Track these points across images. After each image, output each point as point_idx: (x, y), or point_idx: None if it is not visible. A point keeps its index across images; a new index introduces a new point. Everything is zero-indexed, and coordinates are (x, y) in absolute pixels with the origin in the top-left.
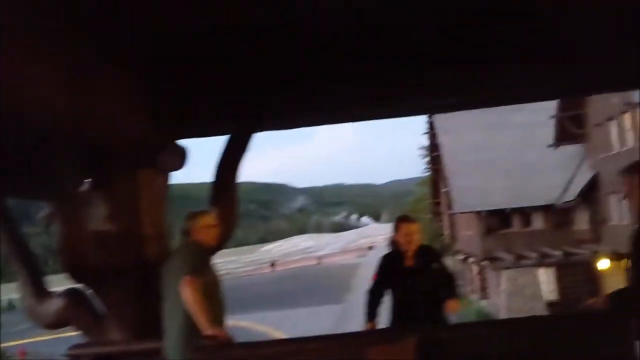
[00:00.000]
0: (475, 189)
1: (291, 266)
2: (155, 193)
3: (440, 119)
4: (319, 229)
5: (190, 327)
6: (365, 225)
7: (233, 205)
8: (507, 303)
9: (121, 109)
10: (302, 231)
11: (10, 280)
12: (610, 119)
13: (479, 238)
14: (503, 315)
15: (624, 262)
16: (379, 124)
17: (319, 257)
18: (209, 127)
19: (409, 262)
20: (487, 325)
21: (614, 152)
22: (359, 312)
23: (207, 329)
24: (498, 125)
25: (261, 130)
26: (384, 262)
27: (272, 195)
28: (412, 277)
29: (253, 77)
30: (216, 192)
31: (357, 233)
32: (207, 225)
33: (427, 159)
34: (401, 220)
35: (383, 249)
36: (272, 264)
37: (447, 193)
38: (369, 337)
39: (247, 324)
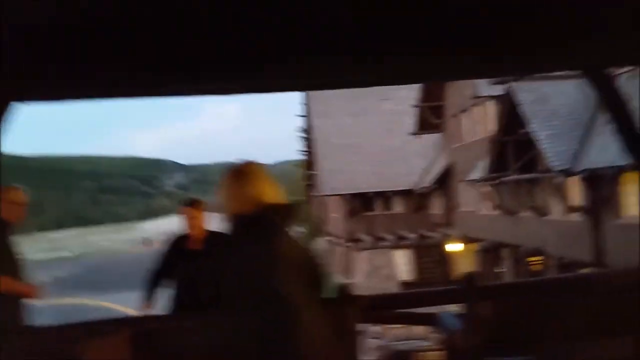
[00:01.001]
0: (341, 172)
1: None
2: None
3: (315, 102)
4: None
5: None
6: None
7: None
8: (364, 283)
9: None
10: None
11: None
12: (463, 110)
13: (343, 220)
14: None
15: (472, 246)
16: (269, 103)
17: None
18: None
19: (195, 246)
20: (201, 315)
21: (465, 143)
22: None
23: None
24: (367, 112)
25: (25, 101)
26: (170, 244)
27: (155, 171)
28: (194, 262)
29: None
30: None
31: None
32: (11, 202)
33: (303, 141)
34: (184, 204)
35: None
36: (146, 243)
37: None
38: (87, 328)
39: (109, 305)
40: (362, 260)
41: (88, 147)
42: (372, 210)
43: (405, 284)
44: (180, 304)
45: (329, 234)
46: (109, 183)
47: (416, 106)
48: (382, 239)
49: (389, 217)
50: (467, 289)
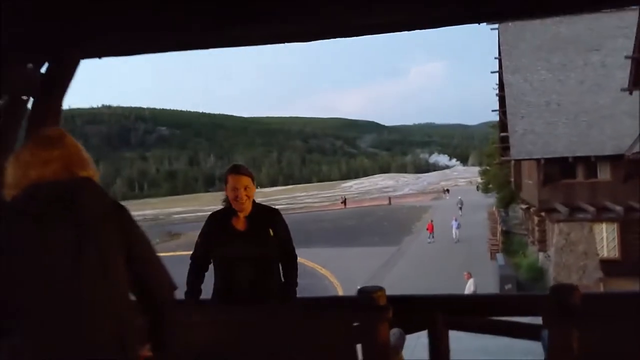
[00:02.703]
0: (536, 134)
1: (362, 204)
2: None
3: (508, 57)
4: (402, 168)
5: None
6: (450, 167)
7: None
8: (557, 258)
9: None
10: (385, 170)
11: None
12: None
13: (537, 187)
14: (552, 271)
15: None
16: (475, 61)
17: (391, 197)
18: (26, 53)
19: (239, 224)
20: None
21: None
22: (410, 256)
23: None
24: (569, 65)
25: (85, 57)
26: (209, 222)
27: (359, 132)
28: (239, 242)
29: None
30: (35, 122)
31: (439, 175)
32: None
33: (498, 100)
34: (229, 172)
35: (459, 192)
36: (343, 201)
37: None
38: None
39: (301, 260)
40: (557, 233)
41: (298, 109)
42: (571, 177)
43: (607, 262)
44: (220, 290)
45: (523, 202)
46: (316, 143)
47: (631, 57)
48: (581, 209)
49: (591, 186)
50: (552, 303)
